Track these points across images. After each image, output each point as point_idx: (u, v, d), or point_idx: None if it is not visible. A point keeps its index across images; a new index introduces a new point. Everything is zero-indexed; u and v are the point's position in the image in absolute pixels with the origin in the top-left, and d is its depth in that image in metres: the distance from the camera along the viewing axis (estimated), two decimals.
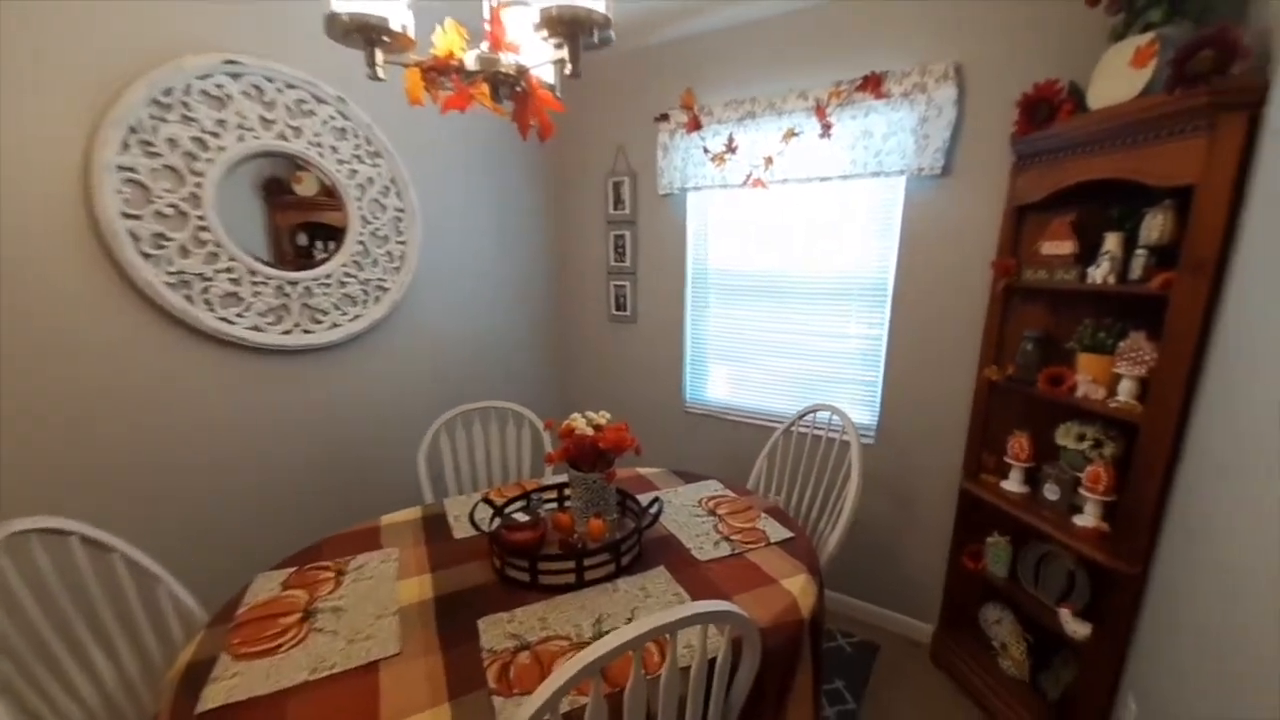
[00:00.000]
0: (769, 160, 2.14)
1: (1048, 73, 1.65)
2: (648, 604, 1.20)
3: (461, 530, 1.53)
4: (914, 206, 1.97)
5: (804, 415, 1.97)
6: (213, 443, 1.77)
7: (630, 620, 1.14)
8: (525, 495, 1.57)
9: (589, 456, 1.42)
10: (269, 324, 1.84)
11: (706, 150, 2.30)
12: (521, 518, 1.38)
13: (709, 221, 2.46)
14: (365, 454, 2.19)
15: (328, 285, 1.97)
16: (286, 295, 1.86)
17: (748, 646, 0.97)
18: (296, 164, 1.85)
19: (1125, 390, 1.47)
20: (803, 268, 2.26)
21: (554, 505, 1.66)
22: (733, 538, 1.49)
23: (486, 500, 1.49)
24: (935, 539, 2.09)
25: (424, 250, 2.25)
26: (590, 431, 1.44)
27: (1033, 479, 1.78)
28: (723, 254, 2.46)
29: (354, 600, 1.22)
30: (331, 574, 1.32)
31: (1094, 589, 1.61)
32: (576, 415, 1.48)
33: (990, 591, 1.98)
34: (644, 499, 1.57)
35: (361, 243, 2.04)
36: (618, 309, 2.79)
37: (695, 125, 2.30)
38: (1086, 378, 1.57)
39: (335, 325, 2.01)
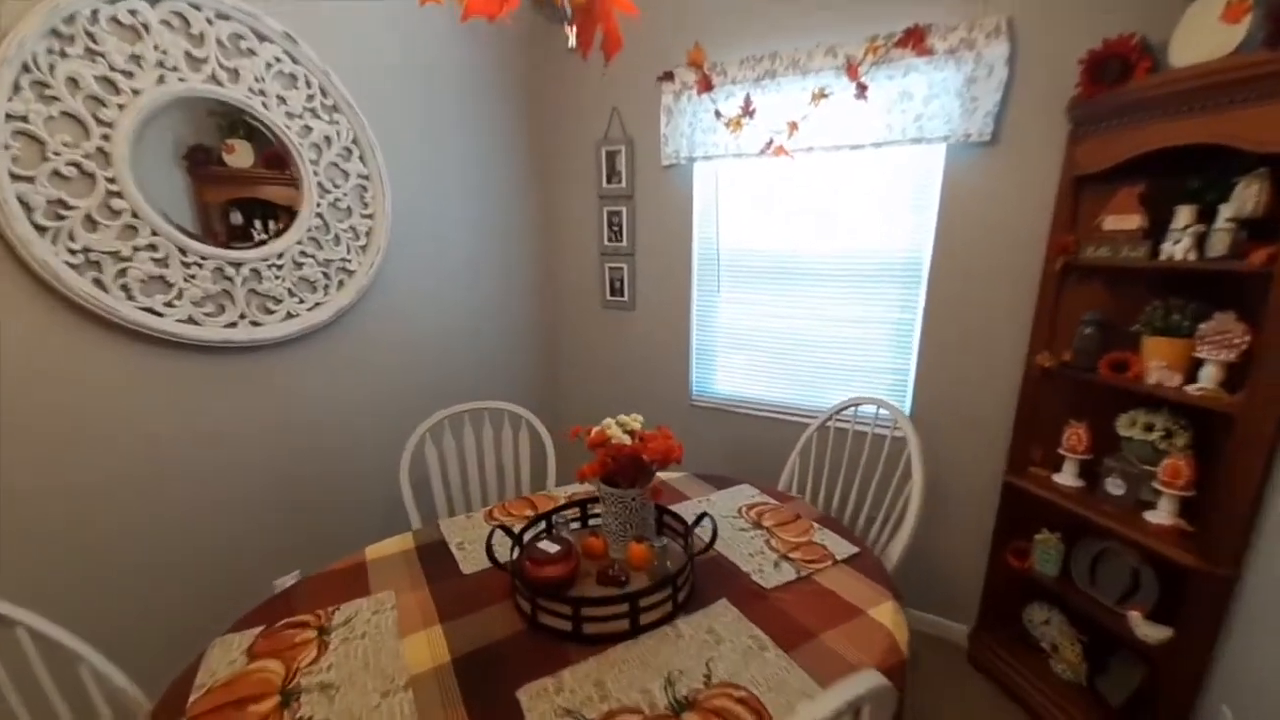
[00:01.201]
0: (793, 126, 1.94)
1: (1109, 29, 1.51)
2: (722, 652, 1.00)
3: (470, 563, 1.29)
4: (956, 177, 1.82)
5: (842, 409, 1.81)
6: (141, 463, 1.43)
7: (709, 678, 0.93)
8: (544, 517, 1.34)
9: (628, 470, 1.20)
10: (208, 315, 1.50)
11: (719, 114, 2.07)
12: (549, 547, 1.15)
13: (720, 195, 2.25)
14: (335, 469, 1.88)
15: (279, 267, 1.64)
16: (229, 280, 1.53)
17: (881, 713, 0.79)
18: (229, 128, 1.50)
19: (1208, 376, 1.36)
20: (826, 246, 2.08)
21: (577, 525, 1.43)
22: (792, 556, 1.31)
23: (504, 529, 1.24)
24: (972, 536, 1.99)
25: (395, 226, 1.94)
26: (627, 440, 1.22)
27: (1089, 472, 1.68)
28: (735, 232, 2.26)
29: (347, 671, 0.96)
30: (312, 633, 1.05)
31: (1163, 589, 1.52)
32: (609, 421, 1.26)
33: (1036, 590, 1.89)
34: (682, 511, 1.36)
35: (320, 216, 1.72)
36: (613, 294, 2.55)
37: (706, 86, 2.07)
38: (1158, 363, 1.46)
39: (291, 316, 1.69)
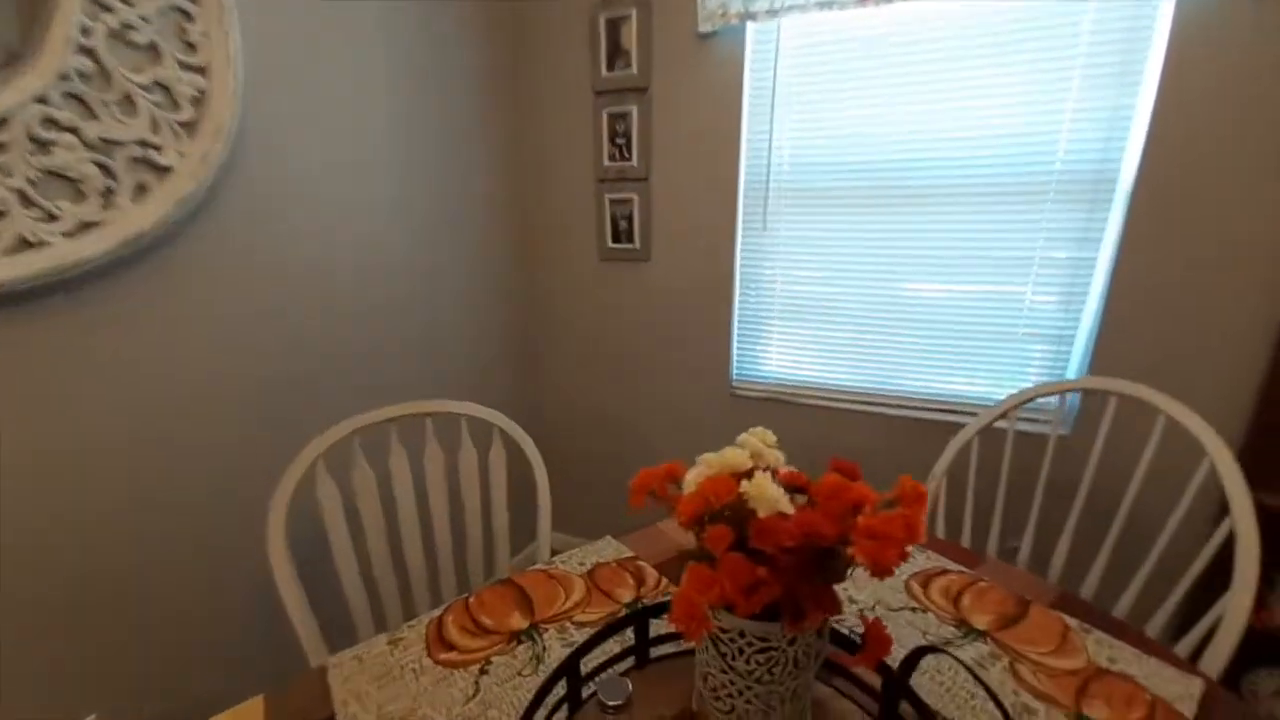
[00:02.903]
0: None
1: None
2: None
3: None
4: (1191, 37, 1.15)
5: (1027, 401, 1.13)
6: None
7: None
8: (563, 670, 0.60)
9: (799, 587, 0.47)
10: None
11: None
12: None
13: (783, 75, 1.51)
14: (128, 531, 1.07)
15: None
16: None
17: None
18: None
19: None
20: (951, 150, 1.39)
21: (629, 663, 0.70)
22: (1089, 715, 0.62)
23: None
24: (1165, 575, 1.36)
25: (254, 94, 1.12)
26: (786, 505, 0.49)
27: None
28: (804, 135, 1.53)
29: None
30: None
31: None
32: (727, 455, 0.52)
33: (1269, 651, 1.30)
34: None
35: (89, 54, 0.91)
36: (618, 239, 1.80)
37: None
38: None
39: (29, 244, 0.88)
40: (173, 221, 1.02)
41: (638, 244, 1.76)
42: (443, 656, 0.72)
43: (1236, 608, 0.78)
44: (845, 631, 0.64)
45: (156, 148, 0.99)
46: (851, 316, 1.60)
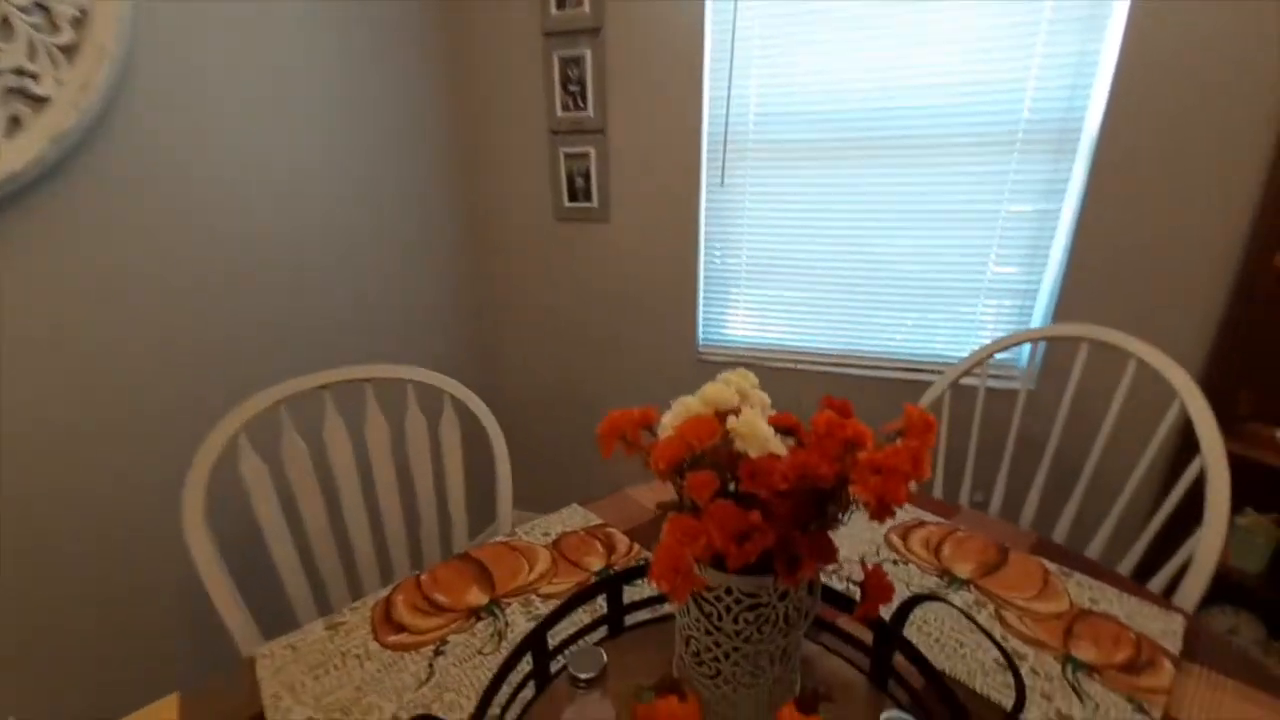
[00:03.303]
0: None
1: None
2: None
3: None
4: None
5: (998, 349, 1.13)
6: None
7: None
8: (531, 641, 0.54)
9: (792, 538, 0.42)
10: None
11: None
12: None
13: (744, 19, 1.44)
14: (20, 520, 0.95)
15: None
16: None
17: None
18: None
19: None
20: (917, 96, 1.36)
21: (603, 634, 0.65)
22: (1107, 670, 0.61)
23: None
24: (1130, 522, 1.41)
25: (150, 18, 0.98)
26: (779, 447, 0.44)
27: None
28: (770, 82, 1.47)
29: None
30: None
31: None
32: (707, 395, 0.47)
33: (1221, 591, 1.36)
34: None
35: None
36: (574, 197, 1.71)
37: None
38: None
39: None
40: (51, 161, 0.87)
41: (596, 202, 1.68)
42: (391, 639, 0.65)
43: (1208, 546, 0.79)
44: (839, 587, 0.60)
45: (33, 76, 0.85)
46: (819, 276, 1.57)
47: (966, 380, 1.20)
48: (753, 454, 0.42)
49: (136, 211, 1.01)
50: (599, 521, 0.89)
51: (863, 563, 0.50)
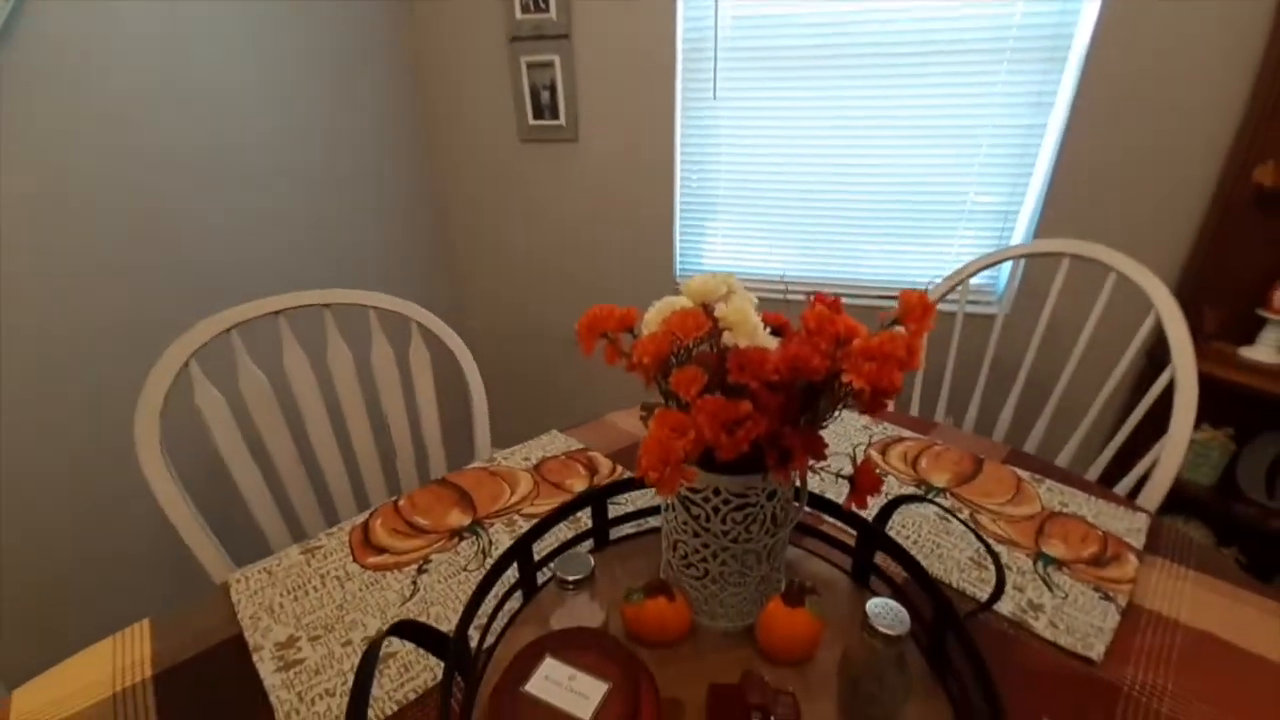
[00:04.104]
0: None
1: None
2: None
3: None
4: None
5: (984, 267, 1.13)
6: None
7: None
8: (519, 548, 0.55)
9: (782, 430, 0.42)
10: None
11: None
12: (557, 672, 0.37)
13: None
14: None
15: None
16: None
17: None
18: None
19: None
20: (898, 5, 1.30)
21: (588, 547, 0.66)
22: (1075, 564, 0.65)
23: (411, 627, 0.43)
24: (1096, 438, 1.49)
25: None
26: (768, 340, 0.43)
27: None
28: None
29: None
30: None
31: None
32: (693, 291, 0.45)
33: (1175, 502, 1.47)
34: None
35: None
36: (539, 114, 1.62)
37: None
38: None
39: None
40: None
41: (563, 119, 1.59)
42: (371, 560, 0.65)
43: (1173, 448, 0.83)
44: (833, 488, 0.61)
45: None
46: (799, 202, 1.54)
47: (944, 306, 1.21)
48: (742, 344, 0.41)
49: (46, 117, 0.92)
50: (580, 446, 0.90)
51: (853, 457, 0.50)
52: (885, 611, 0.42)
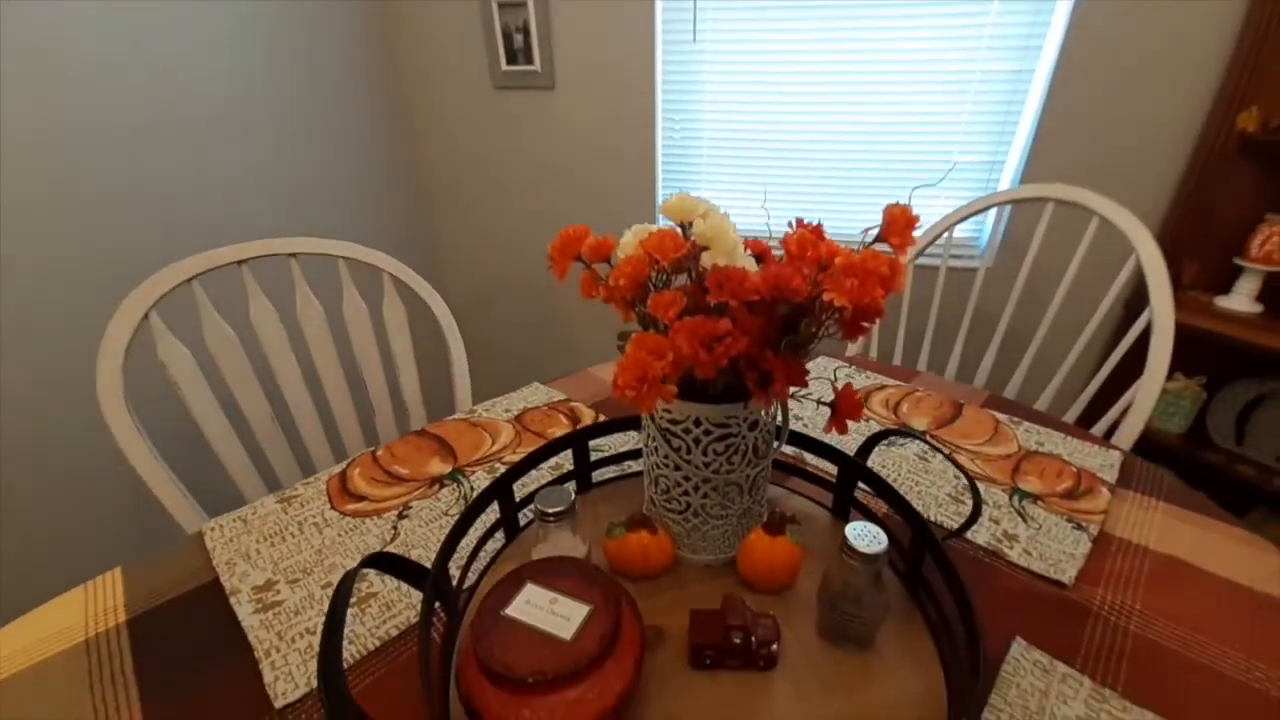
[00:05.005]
0: None
1: None
2: None
3: (289, 673, 0.47)
4: None
5: (970, 214, 1.14)
6: None
7: None
8: (500, 485, 0.55)
9: (765, 355, 0.42)
10: None
11: None
12: (538, 597, 0.38)
13: None
14: None
15: None
16: None
17: None
18: None
19: None
20: None
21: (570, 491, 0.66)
22: (1050, 498, 0.67)
23: (386, 560, 0.42)
24: (1073, 386, 1.53)
25: None
26: (748, 261, 0.43)
27: (1276, 291, 1.24)
28: None
29: None
30: None
31: None
32: (676, 198, 0.44)
33: (1146, 451, 1.52)
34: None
35: None
36: (513, 60, 1.56)
37: None
38: None
39: None
40: None
41: (538, 65, 1.54)
42: (350, 507, 0.64)
43: (1148, 390, 0.86)
44: (816, 416, 0.62)
45: None
46: (784, 151, 1.52)
47: (927, 260, 1.22)
48: (721, 263, 0.41)
49: None
50: (562, 397, 0.89)
51: (833, 383, 0.51)
52: (864, 533, 0.43)
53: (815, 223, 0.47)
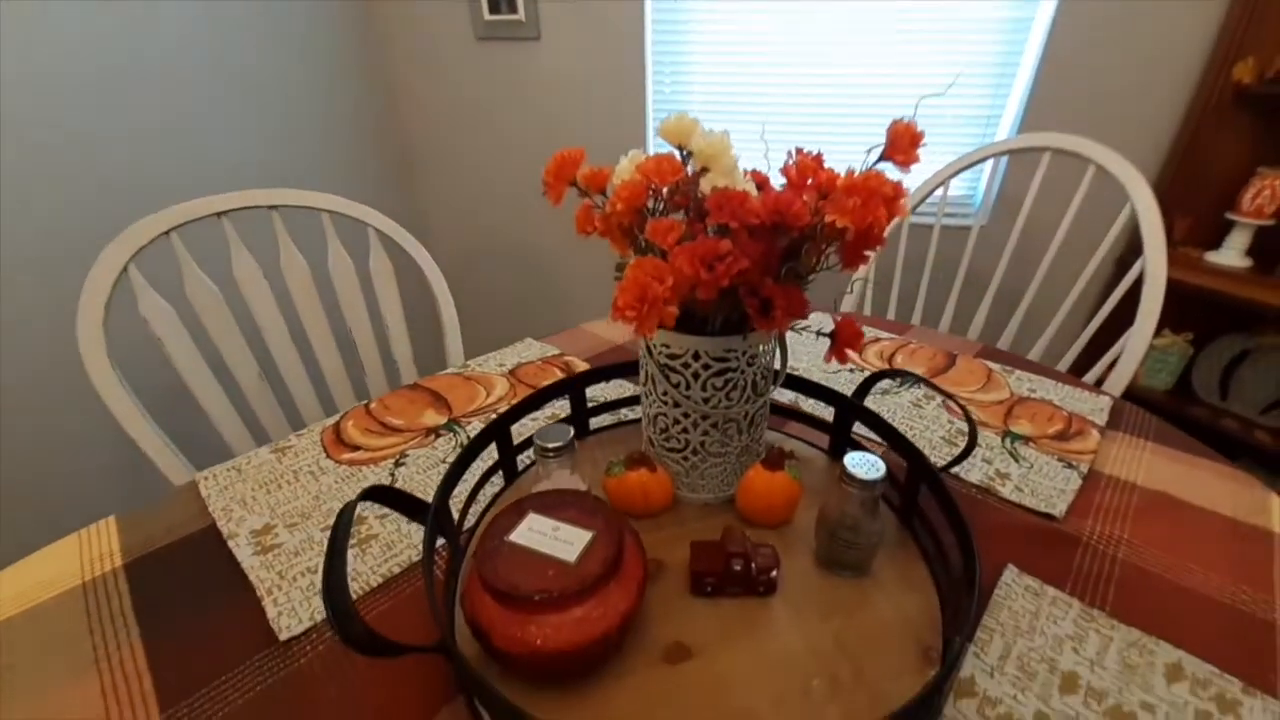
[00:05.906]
0: None
1: None
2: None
3: (294, 608, 0.47)
4: None
5: (967, 166, 1.13)
6: None
7: None
8: (496, 427, 0.55)
9: (765, 284, 0.42)
10: None
11: None
12: (539, 526, 0.38)
13: None
14: None
15: None
16: None
17: None
18: None
19: None
20: None
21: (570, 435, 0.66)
22: (1041, 440, 0.69)
23: (385, 493, 0.42)
24: (1065, 340, 1.55)
25: None
26: (749, 186, 0.43)
27: (1264, 248, 1.26)
28: None
29: None
30: None
31: None
32: (673, 118, 0.44)
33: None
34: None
35: None
36: (496, 8, 1.51)
37: None
38: None
39: None
40: None
41: (522, 14, 1.49)
42: (345, 456, 0.64)
43: (1140, 335, 0.87)
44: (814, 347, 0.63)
45: None
46: (778, 102, 1.50)
47: (920, 219, 1.22)
48: (720, 184, 0.40)
49: None
50: (556, 351, 0.89)
51: (833, 313, 0.51)
52: (862, 462, 0.44)
53: (815, 152, 0.46)
